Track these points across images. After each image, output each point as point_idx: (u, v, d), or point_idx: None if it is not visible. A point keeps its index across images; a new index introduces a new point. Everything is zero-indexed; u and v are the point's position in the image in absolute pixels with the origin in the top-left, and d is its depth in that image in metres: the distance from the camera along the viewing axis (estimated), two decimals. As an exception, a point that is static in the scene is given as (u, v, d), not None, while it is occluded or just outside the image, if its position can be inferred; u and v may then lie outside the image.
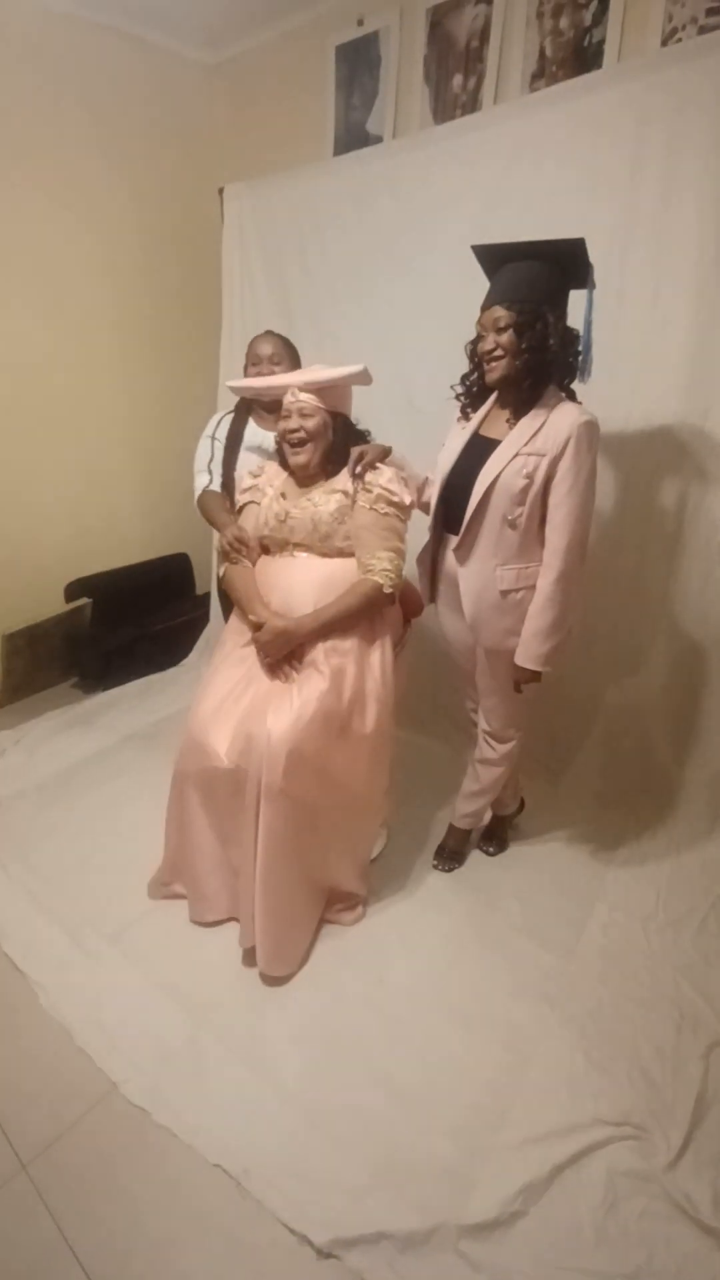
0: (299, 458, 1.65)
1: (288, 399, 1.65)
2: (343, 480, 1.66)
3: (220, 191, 2.70)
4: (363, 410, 1.78)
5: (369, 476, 1.62)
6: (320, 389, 1.64)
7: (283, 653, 1.62)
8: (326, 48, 2.53)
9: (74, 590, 2.91)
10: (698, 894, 1.85)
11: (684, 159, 1.75)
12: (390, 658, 1.70)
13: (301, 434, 1.63)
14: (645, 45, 1.91)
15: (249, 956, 1.63)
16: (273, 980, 1.58)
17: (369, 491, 1.62)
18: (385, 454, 1.67)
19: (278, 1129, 1.30)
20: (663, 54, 1.81)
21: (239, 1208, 1.19)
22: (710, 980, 1.60)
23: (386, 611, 1.71)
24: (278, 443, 1.74)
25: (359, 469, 1.63)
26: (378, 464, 1.64)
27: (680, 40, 1.85)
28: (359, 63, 2.47)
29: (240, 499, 1.80)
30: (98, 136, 2.65)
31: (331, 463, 1.68)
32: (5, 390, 2.64)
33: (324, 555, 1.67)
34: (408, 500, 1.63)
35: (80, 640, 2.99)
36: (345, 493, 1.64)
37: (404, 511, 1.64)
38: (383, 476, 1.63)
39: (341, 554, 1.67)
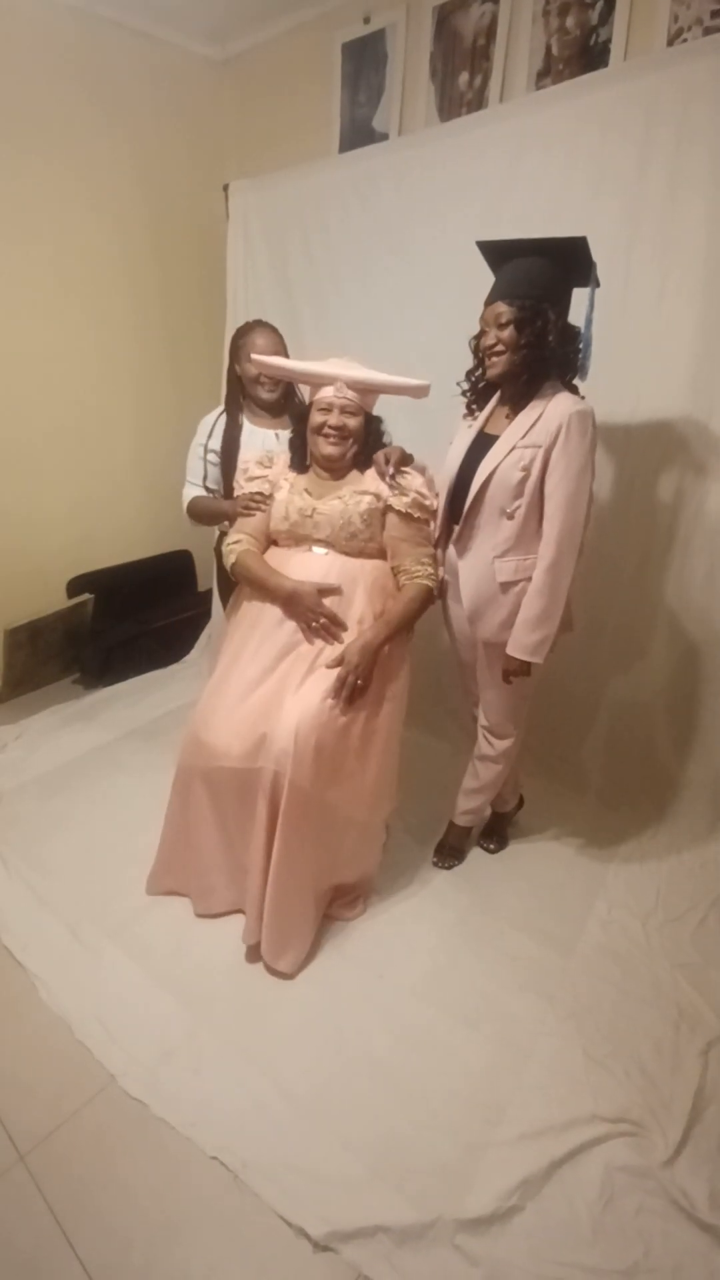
0: (332, 449, 1.62)
1: (332, 393, 1.61)
2: (371, 482, 1.65)
3: (225, 188, 2.71)
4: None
5: (401, 480, 1.63)
6: (366, 389, 1.61)
7: (371, 668, 1.57)
8: (333, 44, 2.53)
9: (76, 586, 2.91)
10: (698, 892, 1.85)
11: (690, 157, 1.75)
12: (407, 660, 1.71)
13: (344, 431, 1.61)
14: (651, 45, 1.91)
15: (249, 952, 1.63)
16: (280, 976, 1.58)
17: (404, 495, 1.62)
18: (409, 457, 1.67)
19: (276, 1122, 1.30)
20: (668, 53, 1.82)
21: (237, 1200, 1.19)
22: (709, 978, 1.60)
23: None
24: (296, 440, 1.72)
25: (392, 471, 1.62)
26: (406, 468, 1.65)
27: (685, 41, 1.85)
28: (365, 60, 2.47)
29: (248, 486, 1.75)
30: (104, 131, 2.65)
31: (358, 459, 1.68)
32: (9, 386, 2.65)
33: (345, 553, 1.66)
34: (437, 506, 1.66)
35: (82, 636, 2.99)
36: (376, 495, 1.63)
37: (434, 516, 1.67)
38: (416, 480, 1.64)
39: (363, 553, 1.67)
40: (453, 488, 1.63)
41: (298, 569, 1.66)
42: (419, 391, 1.63)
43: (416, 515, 1.64)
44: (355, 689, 1.55)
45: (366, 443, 1.67)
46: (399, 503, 1.63)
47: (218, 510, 1.91)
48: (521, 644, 1.57)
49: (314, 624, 1.61)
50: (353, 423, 1.62)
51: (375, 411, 1.71)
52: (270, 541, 1.75)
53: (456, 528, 1.62)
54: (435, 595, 1.69)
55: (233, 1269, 1.11)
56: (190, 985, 1.57)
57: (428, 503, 1.64)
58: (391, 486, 1.63)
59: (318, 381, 1.66)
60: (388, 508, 1.64)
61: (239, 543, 1.72)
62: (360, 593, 1.65)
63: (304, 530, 1.65)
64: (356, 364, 1.67)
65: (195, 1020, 1.49)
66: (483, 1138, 1.28)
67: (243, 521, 1.75)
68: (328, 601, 1.62)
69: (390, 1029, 1.49)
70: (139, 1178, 1.23)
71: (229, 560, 1.72)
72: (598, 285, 1.50)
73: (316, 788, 1.51)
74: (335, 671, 1.57)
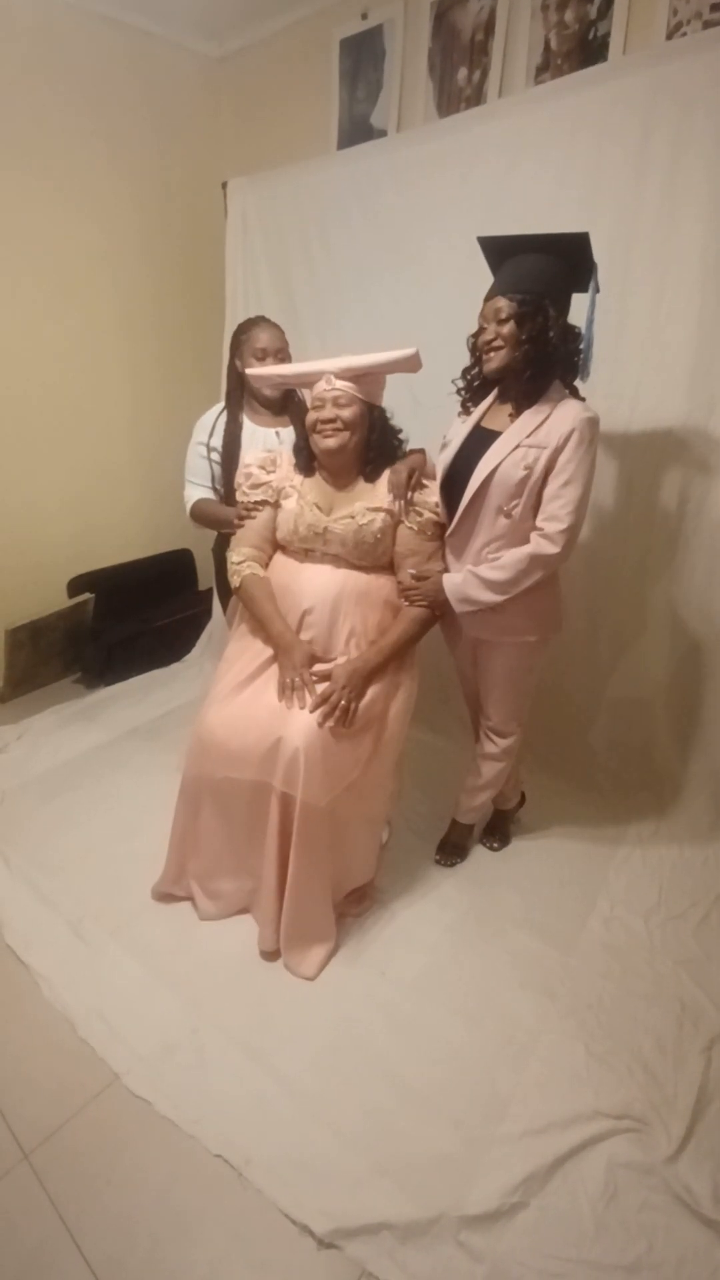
0: (330, 441, 1.55)
1: (322, 386, 1.56)
2: (384, 496, 1.61)
3: (224, 186, 2.70)
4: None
5: (416, 497, 1.60)
6: (358, 376, 1.55)
7: (362, 692, 1.54)
8: (331, 41, 2.52)
9: (77, 585, 2.91)
10: (700, 888, 1.85)
11: (688, 152, 1.74)
12: (416, 667, 1.71)
13: (338, 424, 1.55)
14: (650, 39, 1.90)
15: (251, 950, 1.63)
16: (305, 979, 1.58)
17: (419, 514, 1.61)
18: (423, 463, 1.64)
19: (279, 1120, 1.30)
20: (667, 47, 1.81)
21: (240, 1198, 1.19)
22: (712, 974, 1.60)
23: None
24: (300, 442, 1.68)
25: (410, 494, 1.59)
26: (423, 481, 1.61)
27: (685, 35, 1.84)
28: (363, 56, 2.47)
29: (252, 495, 1.70)
30: (101, 129, 2.65)
31: (369, 461, 1.62)
32: (8, 385, 2.65)
33: (355, 567, 1.63)
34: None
35: (83, 635, 3.00)
36: (390, 512, 1.60)
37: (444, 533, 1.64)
38: (431, 497, 1.61)
39: (374, 566, 1.64)
40: (446, 483, 1.60)
41: (308, 581, 1.63)
42: (410, 364, 1.55)
43: (429, 535, 1.63)
44: (342, 710, 1.50)
45: (370, 436, 1.61)
46: (413, 521, 1.61)
47: (224, 519, 1.88)
48: (459, 591, 1.55)
49: (293, 684, 1.55)
50: (346, 413, 1.55)
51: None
52: (276, 547, 1.73)
53: (451, 524, 1.60)
54: (436, 616, 1.65)
55: (236, 1266, 1.12)
56: (192, 982, 1.57)
57: (441, 520, 1.62)
58: (405, 503, 1.60)
59: (310, 380, 1.62)
60: (400, 522, 1.62)
61: (244, 563, 1.68)
62: (368, 608, 1.63)
63: (313, 545, 1.62)
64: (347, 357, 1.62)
65: (198, 1017, 1.49)
66: (485, 1134, 1.28)
67: (243, 533, 1.72)
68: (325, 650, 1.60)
69: (392, 1026, 1.49)
70: (143, 1175, 1.23)
71: (234, 582, 1.69)
72: (598, 290, 1.49)
73: (328, 803, 1.50)
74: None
